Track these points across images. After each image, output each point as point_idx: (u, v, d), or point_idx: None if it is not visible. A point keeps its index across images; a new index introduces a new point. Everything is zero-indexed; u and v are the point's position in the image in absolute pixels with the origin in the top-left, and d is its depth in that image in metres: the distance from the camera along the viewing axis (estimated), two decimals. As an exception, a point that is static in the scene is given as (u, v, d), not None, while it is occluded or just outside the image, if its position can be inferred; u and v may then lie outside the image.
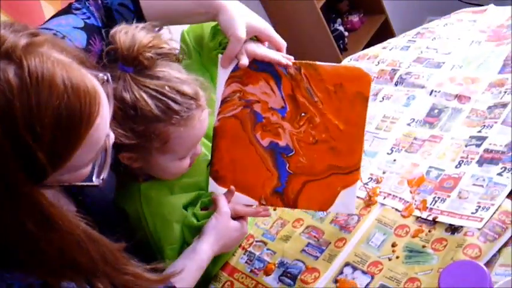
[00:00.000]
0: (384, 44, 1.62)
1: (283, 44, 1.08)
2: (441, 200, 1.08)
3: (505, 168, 1.06)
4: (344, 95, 1.06)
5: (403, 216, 1.10)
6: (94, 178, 0.80)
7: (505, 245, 0.96)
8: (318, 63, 1.06)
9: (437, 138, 1.22)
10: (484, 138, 1.15)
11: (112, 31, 0.97)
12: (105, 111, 0.75)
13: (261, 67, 1.06)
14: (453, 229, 1.02)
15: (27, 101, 0.66)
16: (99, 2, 1.06)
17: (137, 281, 0.84)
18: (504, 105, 1.19)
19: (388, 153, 1.25)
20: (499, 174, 1.06)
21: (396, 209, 1.12)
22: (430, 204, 1.09)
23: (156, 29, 1.03)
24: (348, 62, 1.62)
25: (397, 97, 1.38)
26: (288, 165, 1.10)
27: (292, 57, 1.07)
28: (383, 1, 2.82)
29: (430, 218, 1.06)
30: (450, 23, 1.57)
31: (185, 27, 1.18)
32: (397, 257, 1.04)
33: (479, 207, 1.03)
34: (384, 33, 2.73)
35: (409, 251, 1.03)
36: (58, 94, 0.68)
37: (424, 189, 1.13)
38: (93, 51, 1.01)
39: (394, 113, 1.34)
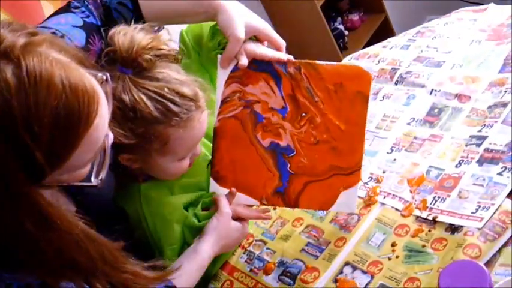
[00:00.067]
0: (384, 42, 1.61)
1: (282, 43, 1.08)
2: (441, 200, 1.08)
3: (505, 167, 1.06)
4: (344, 94, 1.06)
5: (403, 216, 1.10)
6: (92, 178, 0.80)
7: (505, 244, 0.96)
8: (317, 62, 1.06)
9: (438, 137, 1.22)
10: (484, 138, 1.15)
11: (110, 32, 0.97)
12: (103, 111, 0.75)
13: (261, 67, 1.06)
14: (453, 229, 1.02)
15: (25, 101, 0.66)
16: (98, 0, 1.06)
17: (136, 279, 0.85)
18: (504, 105, 1.19)
19: (388, 153, 1.25)
20: (499, 173, 1.06)
21: (396, 209, 1.12)
22: (430, 203, 1.09)
23: (155, 29, 1.02)
24: (348, 60, 1.61)
25: (397, 96, 1.38)
26: (289, 165, 1.10)
27: (291, 57, 1.06)
28: (383, 0, 2.81)
29: (430, 218, 1.06)
30: (450, 22, 1.56)
31: (184, 26, 1.18)
32: (397, 257, 1.03)
33: (480, 206, 1.03)
34: (384, 32, 2.72)
35: (409, 251, 1.03)
36: (56, 94, 0.68)
37: (424, 188, 1.12)
38: (92, 50, 1.01)
39: (394, 112, 1.34)
